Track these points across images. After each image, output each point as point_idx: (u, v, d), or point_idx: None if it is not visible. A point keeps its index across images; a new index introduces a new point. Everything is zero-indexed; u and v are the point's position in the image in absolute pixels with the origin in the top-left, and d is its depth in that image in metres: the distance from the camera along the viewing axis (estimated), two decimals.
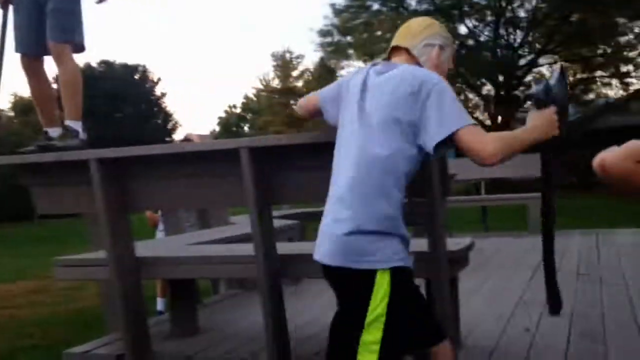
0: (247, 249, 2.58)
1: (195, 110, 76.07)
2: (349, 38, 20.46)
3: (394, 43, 1.82)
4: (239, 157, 2.42)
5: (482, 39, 20.23)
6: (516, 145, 1.61)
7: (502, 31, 19.71)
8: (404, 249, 1.62)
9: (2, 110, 27.26)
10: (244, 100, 39.25)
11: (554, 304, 1.81)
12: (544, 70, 21.01)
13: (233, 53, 77.83)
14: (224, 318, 3.71)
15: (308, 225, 5.93)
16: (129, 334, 2.73)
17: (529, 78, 20.53)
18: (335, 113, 1.85)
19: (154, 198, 2.82)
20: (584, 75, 19.93)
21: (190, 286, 3.38)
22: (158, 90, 33.80)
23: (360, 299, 1.56)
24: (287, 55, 32.04)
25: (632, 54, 19.44)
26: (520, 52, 19.86)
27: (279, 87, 31.59)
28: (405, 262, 1.60)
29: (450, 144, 1.58)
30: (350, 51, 20.55)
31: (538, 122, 1.68)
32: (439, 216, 2.21)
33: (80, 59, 5.14)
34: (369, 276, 1.55)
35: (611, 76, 19.99)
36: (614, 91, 20.24)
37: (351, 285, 1.61)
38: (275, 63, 32.33)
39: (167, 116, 34.11)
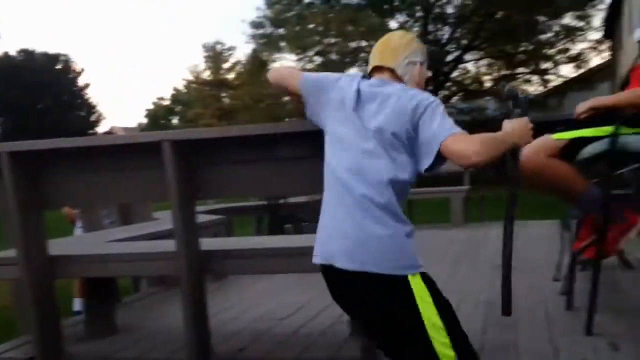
0: (170, 245, 2.51)
1: (122, 102, 73.64)
2: (281, 30, 20.36)
3: (377, 63, 1.82)
4: (161, 151, 2.35)
5: None
6: (495, 145, 1.65)
7: (430, 27, 20.16)
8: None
9: None
10: (173, 92, 38.35)
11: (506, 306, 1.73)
12: (469, 66, 21.70)
13: (162, 43, 75.82)
14: (144, 317, 3.61)
15: (235, 221, 5.88)
16: (40, 335, 2.60)
17: (455, 74, 21.14)
18: (316, 110, 1.86)
19: (72, 194, 2.70)
20: (507, 72, 20.71)
21: (107, 285, 3.26)
22: (81, 81, 32.50)
23: (401, 304, 1.57)
24: (219, 46, 31.58)
25: (551, 52, 20.37)
26: (447, 48, 20.39)
27: (210, 79, 31.09)
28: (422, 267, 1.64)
29: (440, 157, 1.63)
30: (283, 44, 20.45)
31: (516, 126, 1.73)
32: None
33: None
34: (403, 282, 1.57)
35: (532, 73, 20.87)
36: (534, 87, 21.15)
37: (383, 291, 1.60)
38: (206, 54, 31.79)
39: (91, 108, 32.87)
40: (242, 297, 3.95)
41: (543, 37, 20.25)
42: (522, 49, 20.36)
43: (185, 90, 34.80)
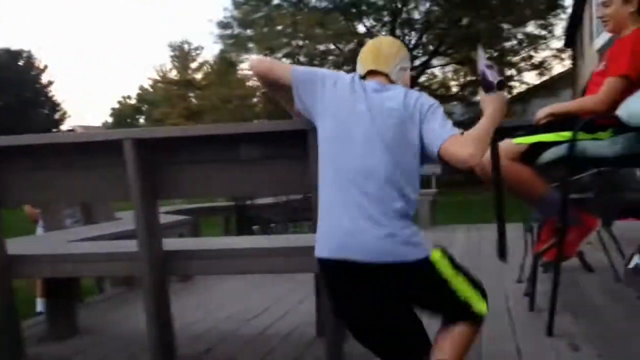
0: (132, 245, 2.47)
1: (87, 100, 72.23)
2: (249, 31, 20.30)
3: (372, 67, 1.88)
4: (123, 149, 2.32)
5: None
6: (486, 139, 1.77)
7: (398, 32, 20.38)
8: None
9: None
10: (140, 91, 37.81)
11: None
12: (437, 71, 21.98)
13: (128, 42, 74.74)
14: (107, 318, 3.54)
15: (203, 222, 5.83)
16: None
17: (422, 79, 21.40)
18: (309, 102, 1.88)
19: (33, 192, 2.64)
20: (473, 78, 21.08)
21: (69, 285, 3.18)
22: (45, 78, 31.75)
23: (431, 277, 1.70)
24: (186, 46, 31.28)
25: (515, 59, 20.82)
26: (414, 53, 20.64)
27: (176, 78, 30.76)
28: None
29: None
30: (251, 45, 20.40)
31: (497, 106, 1.84)
32: None
33: None
34: (425, 262, 1.69)
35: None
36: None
37: (414, 273, 1.69)
38: (173, 54, 31.45)
39: (55, 106, 32.12)
40: (208, 297, 3.91)
41: (507, 44, 20.69)
42: (487, 56, 20.70)
43: (152, 90, 34.36)
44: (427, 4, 20.11)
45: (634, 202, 3.94)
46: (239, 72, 22.81)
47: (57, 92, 42.34)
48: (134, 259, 2.42)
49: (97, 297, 4.16)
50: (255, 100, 23.42)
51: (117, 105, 40.45)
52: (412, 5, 19.58)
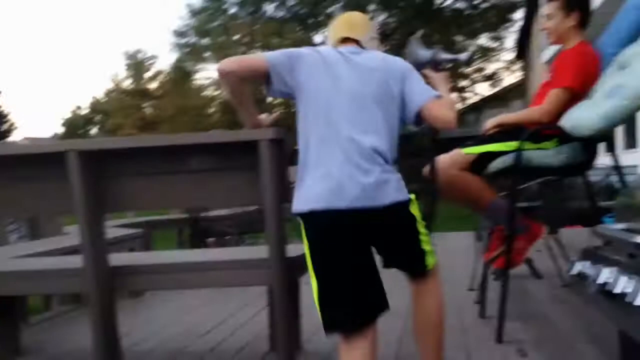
0: (79, 261, 2.39)
1: (37, 111, 70.13)
2: (206, 40, 20.15)
3: (346, 34, 2.04)
4: (67, 161, 2.25)
5: None
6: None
7: None
8: None
9: None
10: (93, 101, 36.97)
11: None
12: None
13: (80, 50, 73.10)
14: (53, 337, 3.41)
15: (156, 235, 5.71)
16: None
17: None
18: (290, 81, 1.91)
19: None
20: None
21: (13, 304, 3.05)
22: None
23: (405, 222, 1.87)
24: (140, 55, 30.81)
25: (468, 70, 21.29)
26: None
27: (131, 88, 30.25)
28: None
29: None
30: (207, 54, 20.25)
31: (446, 83, 2.19)
32: (275, 222, 2.19)
33: None
34: (403, 205, 1.84)
35: (451, 90, 21.69)
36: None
37: (394, 216, 1.82)
38: (127, 62, 30.92)
39: (2, 117, 31.08)
40: (160, 313, 3.82)
41: (466, 54, 21.13)
42: (441, 67, 21.11)
43: (105, 99, 33.67)
44: (383, 15, 20.40)
45: (579, 209, 4.06)
46: (195, 81, 22.63)
47: (3, 103, 40.92)
48: (80, 275, 2.34)
49: (43, 315, 4.01)
50: (212, 110, 23.23)
51: (68, 116, 39.44)
52: (368, 16, 19.80)
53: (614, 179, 3.13)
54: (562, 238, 4.14)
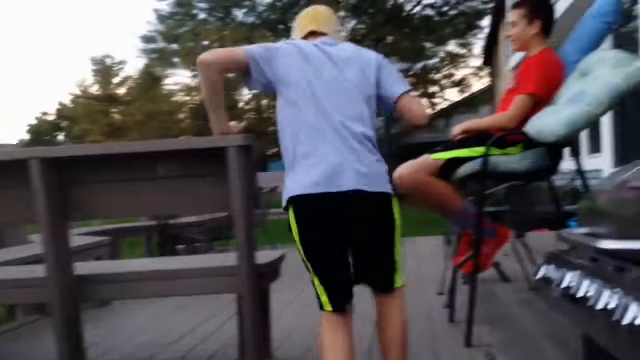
0: (42, 270, 2.33)
1: (2, 117, 68.48)
2: (175, 46, 19.98)
3: (314, 28, 2.10)
4: (29, 169, 2.19)
5: None
6: None
7: None
8: None
9: None
10: (59, 107, 36.29)
11: None
12: None
13: (46, 55, 71.71)
14: (17, 349, 3.32)
15: (124, 243, 5.63)
16: None
17: None
18: (270, 75, 1.96)
19: None
20: None
21: None
22: None
23: (390, 217, 1.92)
24: (108, 60, 30.39)
25: (437, 77, 21.55)
26: None
27: (98, 93, 29.79)
28: None
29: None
30: (177, 59, 20.07)
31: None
32: (244, 229, 2.18)
33: None
34: (391, 199, 1.92)
35: (421, 96, 21.93)
36: None
37: (383, 206, 1.91)
38: (95, 68, 30.46)
39: None
40: (128, 322, 3.76)
41: (430, 62, 21.41)
42: (411, 73, 21.35)
43: (72, 105, 33.07)
44: (353, 22, 20.52)
45: (546, 213, 4.14)
46: (165, 87, 22.40)
47: None
48: (43, 286, 2.29)
49: (7, 327, 3.90)
50: (182, 116, 23.02)
51: (34, 122, 38.63)
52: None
53: (579, 183, 3.20)
54: (529, 242, 4.21)
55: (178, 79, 30.14)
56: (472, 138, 2.66)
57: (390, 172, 2.65)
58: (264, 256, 2.49)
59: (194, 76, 20.41)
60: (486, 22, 20.01)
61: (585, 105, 2.38)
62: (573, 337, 2.31)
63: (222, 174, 2.16)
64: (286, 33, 20.55)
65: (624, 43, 6.40)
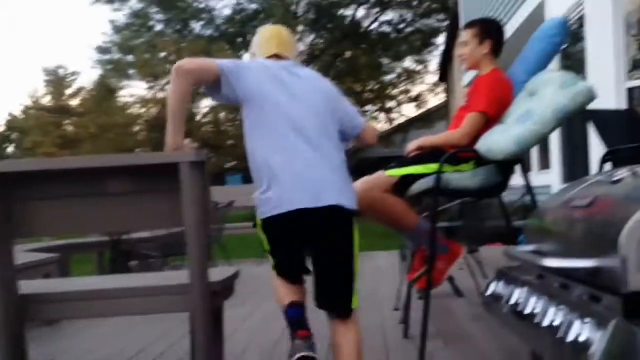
0: None
1: None
2: (130, 57, 19.68)
3: (278, 51, 2.19)
4: None
5: None
6: None
7: None
8: None
9: None
10: (9, 118, 35.17)
11: None
12: None
13: None
14: None
15: (72, 259, 5.46)
16: None
17: None
18: (238, 86, 2.03)
19: None
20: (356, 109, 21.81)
21: None
22: None
23: (351, 236, 2.04)
24: (61, 71, 29.68)
25: (394, 92, 21.87)
26: None
27: (51, 105, 29.03)
28: None
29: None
30: (132, 71, 19.77)
31: None
32: (196, 247, 2.14)
33: None
34: (352, 216, 2.04)
35: (379, 110, 22.21)
36: (381, 125, 22.53)
37: (345, 224, 2.03)
38: (47, 79, 29.69)
39: None
40: (77, 342, 3.64)
41: (387, 78, 21.74)
42: (369, 88, 21.63)
43: (23, 117, 32.09)
44: (312, 37, 20.68)
45: (498, 228, 4.22)
46: (120, 98, 22.01)
47: None
48: None
49: None
50: (137, 128, 22.63)
51: None
52: (296, 37, 20.01)
53: (529, 199, 3.29)
54: (482, 256, 4.28)
55: (134, 90, 29.68)
56: (425, 155, 2.69)
57: None
58: (218, 273, 2.46)
59: (150, 88, 20.16)
60: (441, 39, 20.46)
61: (532, 124, 2.44)
62: (525, 353, 2.35)
63: (174, 189, 2.12)
64: (244, 46, 20.50)
65: (571, 64, 6.65)
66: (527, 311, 1.37)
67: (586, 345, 1.07)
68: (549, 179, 7.13)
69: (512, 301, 1.48)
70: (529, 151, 2.88)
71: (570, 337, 1.14)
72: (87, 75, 51.04)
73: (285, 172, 1.96)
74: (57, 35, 64.39)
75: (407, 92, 22.08)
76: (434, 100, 27.85)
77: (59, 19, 62.56)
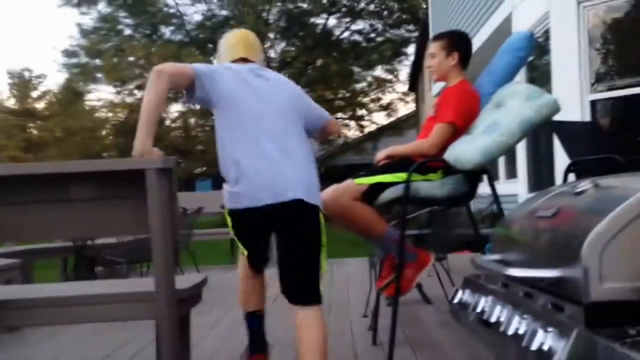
0: None
1: None
2: (98, 61, 19.37)
3: (244, 55, 2.33)
4: None
5: None
6: None
7: None
8: None
9: None
10: None
11: None
12: None
13: None
14: None
15: (35, 264, 5.33)
16: None
17: None
18: (210, 89, 2.16)
19: None
20: None
21: None
22: None
23: (315, 228, 2.16)
24: (26, 73, 29.06)
25: (365, 100, 22.01)
26: None
27: (15, 107, 28.37)
28: None
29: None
30: (99, 75, 19.46)
31: None
32: (163, 254, 2.11)
33: None
34: (317, 209, 2.18)
35: (349, 118, 22.31)
36: (352, 132, 22.64)
37: (309, 217, 2.15)
38: (11, 81, 29.02)
39: None
40: (39, 349, 3.54)
41: (358, 86, 21.88)
42: (340, 95, 21.72)
43: None
44: (283, 44, 20.69)
45: (465, 236, 4.28)
46: (87, 102, 21.63)
47: None
48: None
49: None
50: (104, 132, 22.27)
51: None
52: (268, 44, 19.99)
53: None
54: (450, 264, 4.33)
55: (101, 94, 29.20)
56: (395, 163, 2.72)
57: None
58: (185, 280, 2.43)
59: (118, 92, 19.88)
60: (411, 49, 20.70)
61: (499, 135, 2.49)
62: None
63: (140, 196, 2.09)
64: (214, 52, 20.38)
65: (537, 76, 6.79)
66: (492, 319, 1.38)
67: (549, 353, 1.09)
68: (515, 188, 7.26)
69: (478, 309, 1.50)
70: (496, 161, 2.93)
71: (534, 346, 1.16)
72: (54, 79, 50.09)
73: (251, 170, 2.10)
74: (23, 37, 63.00)
75: (377, 100, 22.26)
76: (404, 108, 28.17)
77: (24, 21, 61.26)
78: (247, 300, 2.47)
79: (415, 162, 2.62)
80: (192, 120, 20.60)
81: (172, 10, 19.46)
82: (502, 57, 2.84)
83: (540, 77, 6.60)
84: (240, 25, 17.44)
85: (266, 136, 2.12)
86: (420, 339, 3.31)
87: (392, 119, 23.02)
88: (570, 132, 3.22)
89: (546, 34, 6.06)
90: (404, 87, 23.52)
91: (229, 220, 2.28)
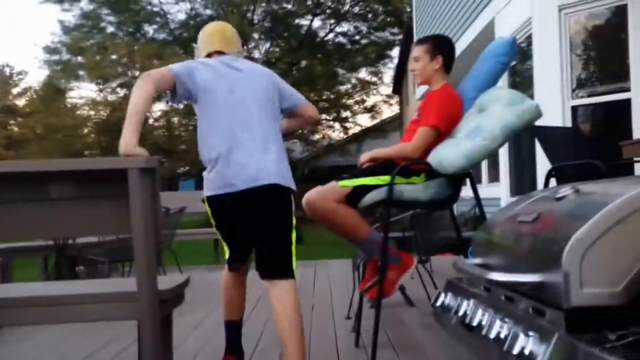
0: None
1: None
2: (80, 58, 19.15)
3: (219, 48, 2.46)
4: None
5: None
6: None
7: None
8: None
9: None
10: None
11: None
12: None
13: None
14: None
15: (15, 263, 5.26)
16: None
17: None
18: (192, 88, 2.30)
19: None
20: None
21: None
22: None
23: (287, 210, 2.36)
24: (7, 70, 28.67)
25: (349, 102, 22.04)
26: None
27: None
28: None
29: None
30: (82, 72, 19.24)
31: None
32: (145, 254, 2.10)
33: None
34: (288, 192, 2.36)
35: (334, 120, 22.32)
36: (336, 133, 22.66)
37: (281, 199, 2.34)
38: None
39: None
40: (19, 349, 3.50)
41: (342, 88, 21.91)
42: (324, 97, 21.73)
43: None
44: (267, 45, 20.65)
45: (448, 239, 4.31)
46: (68, 100, 21.37)
47: None
48: None
49: None
50: (86, 130, 22.02)
51: None
52: (252, 44, 19.94)
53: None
54: (433, 266, 4.35)
55: (83, 92, 28.88)
56: (378, 166, 2.73)
57: (300, 196, 2.68)
58: (167, 280, 2.41)
59: (100, 90, 19.68)
60: (395, 52, 20.78)
61: (481, 140, 2.51)
62: None
63: (122, 196, 2.07)
64: None
65: (519, 81, 6.87)
66: (474, 323, 1.40)
67: (530, 358, 1.11)
68: (498, 192, 7.32)
69: (460, 312, 1.52)
70: (479, 164, 2.96)
71: (515, 350, 1.17)
72: (35, 75, 49.45)
73: (227, 158, 2.26)
74: (3, 33, 62.09)
75: (362, 102, 22.29)
76: (388, 111, 28.27)
77: (5, 17, 60.39)
78: (227, 310, 2.64)
79: (399, 165, 2.64)
80: (175, 120, 20.46)
81: (155, 9, 19.32)
82: (484, 62, 2.87)
83: (523, 82, 6.67)
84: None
85: (241, 126, 2.28)
86: (403, 341, 3.33)
87: (376, 121, 23.09)
88: (551, 137, 3.26)
89: (528, 39, 6.13)
90: (388, 90, 23.63)
91: (208, 209, 2.41)
